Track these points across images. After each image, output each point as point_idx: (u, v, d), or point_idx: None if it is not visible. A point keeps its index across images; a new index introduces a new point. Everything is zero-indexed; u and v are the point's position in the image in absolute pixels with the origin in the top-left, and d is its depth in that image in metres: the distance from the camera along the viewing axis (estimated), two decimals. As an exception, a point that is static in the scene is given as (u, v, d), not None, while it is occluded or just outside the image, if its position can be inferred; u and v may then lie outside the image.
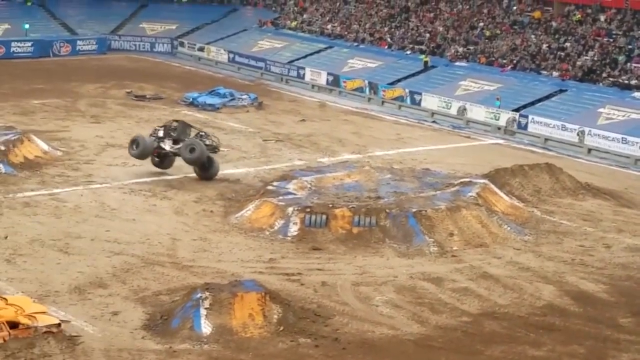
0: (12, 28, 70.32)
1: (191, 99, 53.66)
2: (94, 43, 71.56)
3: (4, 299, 23.26)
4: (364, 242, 30.54)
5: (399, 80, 59.18)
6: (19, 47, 68.06)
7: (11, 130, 40.64)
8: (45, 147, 40.30)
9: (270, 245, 30.24)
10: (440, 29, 64.41)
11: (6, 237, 29.64)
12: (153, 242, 30.02)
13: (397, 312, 25.34)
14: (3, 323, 21.81)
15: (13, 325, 21.91)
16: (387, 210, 31.58)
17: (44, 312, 22.94)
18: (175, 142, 37.75)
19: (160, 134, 38.02)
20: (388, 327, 24.32)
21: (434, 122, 53.42)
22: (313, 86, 62.12)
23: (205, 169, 37.72)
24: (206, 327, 22.90)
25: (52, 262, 27.72)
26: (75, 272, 27.01)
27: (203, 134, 38.23)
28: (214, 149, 37.94)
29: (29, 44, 68.60)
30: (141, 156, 37.91)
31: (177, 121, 39.04)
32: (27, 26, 70.20)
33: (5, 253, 28.28)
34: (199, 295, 23.56)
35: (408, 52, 62.97)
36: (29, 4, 75.23)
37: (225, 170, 39.18)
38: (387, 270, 28.39)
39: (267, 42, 69.68)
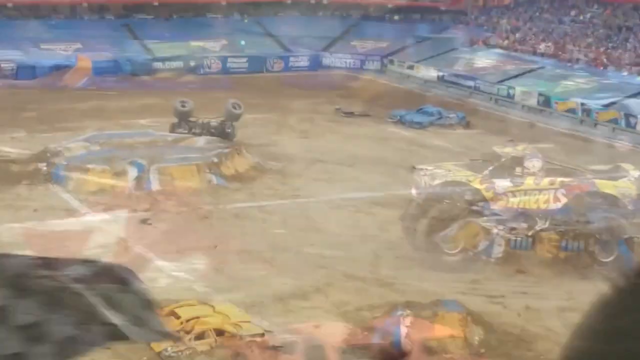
0: (228, 44, 72.71)
1: (398, 117, 53.71)
2: (306, 60, 72.77)
3: (212, 306, 23.98)
4: (572, 267, 29.66)
5: (614, 103, 57.24)
6: (234, 62, 70.14)
7: (225, 143, 41.95)
8: (255, 160, 41.34)
9: (474, 266, 29.82)
10: (661, 49, 62.04)
11: (216, 247, 30.60)
12: (356, 257, 30.20)
13: (604, 341, 24.37)
14: (210, 330, 22.48)
15: (219, 332, 22.56)
16: (597, 236, 30.54)
17: (248, 322, 23.47)
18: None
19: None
20: (594, 356, 23.44)
21: (649, 146, 51.36)
22: (523, 106, 60.93)
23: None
24: (406, 346, 22.79)
25: (257, 273, 28.37)
26: (280, 283, 27.51)
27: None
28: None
29: (244, 59, 70.56)
30: None
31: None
32: (243, 42, 72.36)
33: (215, 262, 29.18)
34: (399, 312, 23.51)
35: (625, 74, 60.84)
36: (246, 20, 77.49)
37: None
38: (596, 297, 27.36)
39: (477, 61, 68.99)
